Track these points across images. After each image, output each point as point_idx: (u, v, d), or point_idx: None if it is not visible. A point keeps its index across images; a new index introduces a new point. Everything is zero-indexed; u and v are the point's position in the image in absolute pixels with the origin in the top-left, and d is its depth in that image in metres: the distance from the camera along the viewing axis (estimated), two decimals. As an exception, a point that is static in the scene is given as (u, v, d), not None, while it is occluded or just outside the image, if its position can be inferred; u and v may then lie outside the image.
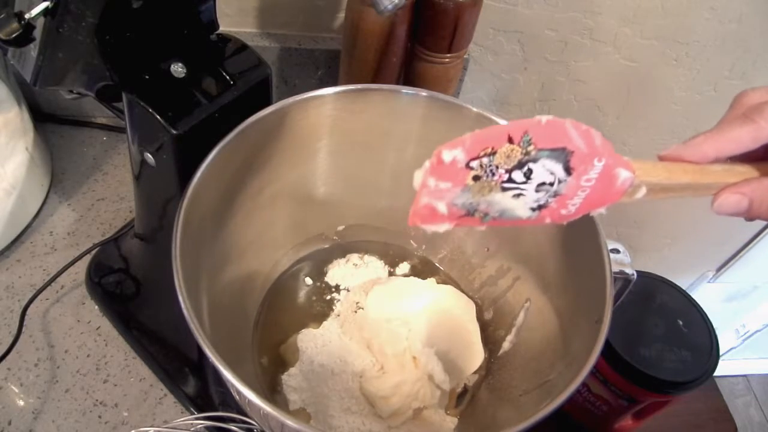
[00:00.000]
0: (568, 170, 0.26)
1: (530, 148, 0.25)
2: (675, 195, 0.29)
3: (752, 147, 0.28)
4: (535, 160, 0.26)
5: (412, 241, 0.57)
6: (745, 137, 0.28)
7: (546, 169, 0.26)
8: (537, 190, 0.27)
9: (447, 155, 0.25)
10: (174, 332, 0.52)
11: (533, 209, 0.27)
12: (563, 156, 0.26)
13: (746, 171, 0.29)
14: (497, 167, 0.26)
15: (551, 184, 0.26)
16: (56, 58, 0.36)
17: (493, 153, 0.25)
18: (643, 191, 0.28)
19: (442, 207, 0.27)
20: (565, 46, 0.70)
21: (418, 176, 0.26)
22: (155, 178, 0.44)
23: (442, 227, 0.28)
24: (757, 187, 0.28)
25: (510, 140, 0.25)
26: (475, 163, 0.25)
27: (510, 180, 0.26)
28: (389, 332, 0.49)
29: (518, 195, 0.27)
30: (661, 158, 0.29)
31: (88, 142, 0.70)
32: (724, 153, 0.29)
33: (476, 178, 0.26)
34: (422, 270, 0.56)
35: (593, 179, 0.27)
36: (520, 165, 0.26)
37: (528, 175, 0.26)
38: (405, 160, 0.50)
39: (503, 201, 0.27)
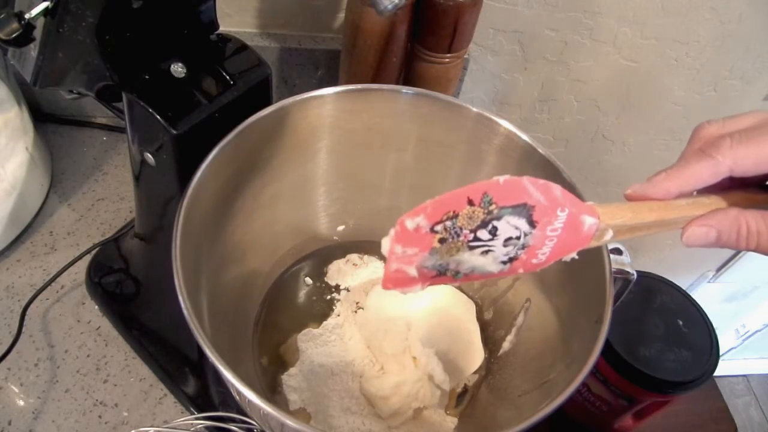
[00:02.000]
0: (532, 224, 0.27)
1: (492, 207, 0.26)
2: (644, 233, 0.30)
3: (712, 182, 0.29)
4: (498, 218, 0.26)
5: (412, 241, 0.57)
6: (703, 173, 0.28)
7: (510, 225, 0.27)
8: (505, 245, 0.27)
9: (410, 223, 0.26)
10: (174, 332, 0.52)
11: (504, 262, 0.28)
12: (525, 211, 0.26)
13: (712, 202, 0.30)
14: (461, 228, 0.26)
15: (518, 238, 0.27)
16: (56, 58, 0.36)
17: (456, 216, 0.26)
18: (610, 234, 0.29)
19: (412, 271, 0.27)
20: (565, 46, 0.71)
21: (386, 244, 0.26)
22: (155, 178, 0.44)
23: (416, 289, 0.28)
24: (723, 218, 0.29)
25: (470, 202, 0.26)
26: (439, 227, 0.26)
27: (476, 239, 0.27)
28: (389, 332, 0.49)
29: (486, 251, 0.27)
30: (627, 197, 0.30)
31: (88, 142, 0.70)
32: (686, 189, 0.29)
33: (442, 240, 0.26)
34: (422, 270, 0.56)
35: (559, 228, 0.28)
36: (484, 224, 0.26)
37: (493, 232, 0.27)
38: (405, 160, 0.50)
39: (472, 259, 0.27)
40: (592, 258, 0.39)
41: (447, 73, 0.59)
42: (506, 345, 0.49)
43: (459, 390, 0.49)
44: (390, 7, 0.44)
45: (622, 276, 0.39)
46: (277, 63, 0.67)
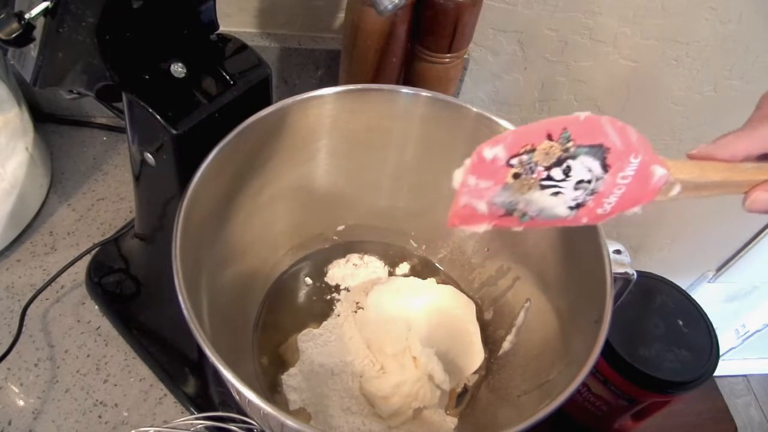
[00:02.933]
0: (605, 167, 0.26)
1: (569, 144, 0.26)
2: (707, 193, 0.29)
3: None
4: (573, 157, 0.26)
5: (412, 241, 0.57)
6: None
7: (584, 166, 0.26)
8: (575, 188, 0.27)
9: (488, 152, 0.25)
10: (174, 332, 0.52)
11: (571, 208, 0.27)
12: (600, 153, 0.26)
13: None
14: (536, 164, 0.26)
15: (589, 182, 0.27)
16: (56, 58, 0.36)
17: (533, 150, 0.25)
18: (677, 189, 0.28)
19: (482, 206, 0.27)
20: (565, 46, 0.70)
21: (458, 175, 0.26)
22: (155, 178, 0.44)
23: (481, 228, 0.28)
24: None
25: (549, 137, 0.25)
26: (515, 161, 0.26)
27: (549, 178, 0.26)
28: (389, 332, 0.49)
29: (557, 193, 0.27)
30: (691, 157, 0.29)
31: (88, 142, 0.70)
32: (754, 152, 0.29)
33: (516, 175, 0.26)
34: (422, 270, 0.56)
35: (629, 176, 0.27)
36: (559, 162, 0.26)
37: (567, 173, 0.26)
38: (405, 160, 0.50)
39: (542, 199, 0.27)
40: (592, 258, 0.39)
41: (447, 73, 0.59)
42: (506, 345, 0.49)
43: (459, 390, 0.49)
44: (390, 7, 0.44)
45: (622, 276, 0.39)
46: (277, 63, 0.67)
